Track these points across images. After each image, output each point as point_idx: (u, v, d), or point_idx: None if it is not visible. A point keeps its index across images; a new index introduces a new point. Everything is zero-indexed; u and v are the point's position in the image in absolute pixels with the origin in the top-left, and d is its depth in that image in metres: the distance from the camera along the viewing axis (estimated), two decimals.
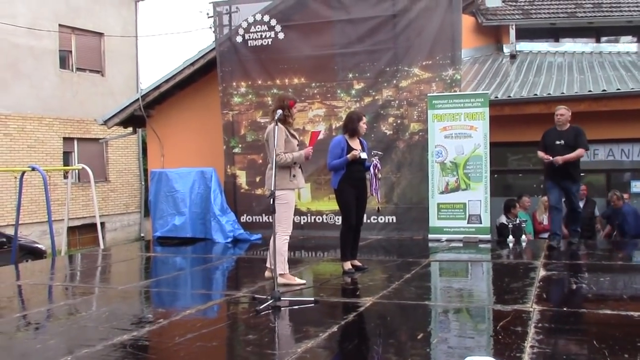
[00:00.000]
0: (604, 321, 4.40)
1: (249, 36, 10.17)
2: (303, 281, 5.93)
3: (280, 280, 5.62)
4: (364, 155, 6.30)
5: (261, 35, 10.11)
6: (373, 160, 6.40)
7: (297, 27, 9.97)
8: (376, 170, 6.40)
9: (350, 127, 6.38)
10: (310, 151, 5.84)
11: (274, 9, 10.04)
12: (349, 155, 6.17)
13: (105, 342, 4.05)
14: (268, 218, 9.55)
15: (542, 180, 10.26)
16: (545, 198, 9.30)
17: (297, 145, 5.88)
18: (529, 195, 9.84)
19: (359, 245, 6.71)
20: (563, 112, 7.69)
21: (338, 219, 9.32)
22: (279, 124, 5.62)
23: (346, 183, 6.26)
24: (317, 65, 9.83)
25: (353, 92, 9.71)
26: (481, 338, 4.13)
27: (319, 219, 9.78)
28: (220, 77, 10.39)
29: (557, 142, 7.62)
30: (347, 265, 6.41)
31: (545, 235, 9.33)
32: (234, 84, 10.35)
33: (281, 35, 9.98)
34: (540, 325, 4.20)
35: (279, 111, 5.60)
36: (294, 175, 5.83)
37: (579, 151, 7.57)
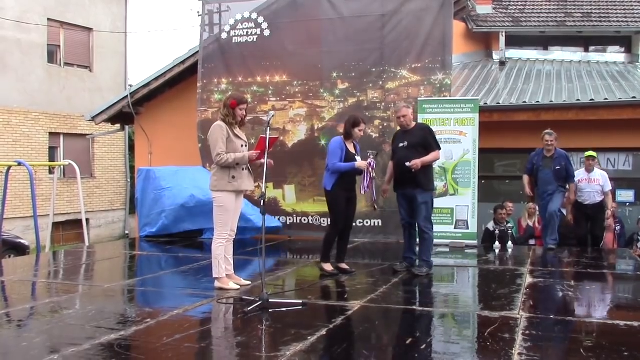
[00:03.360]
0: (591, 329, 4.43)
1: (235, 32, 10.12)
2: (237, 287, 5.66)
3: (215, 284, 5.67)
4: (370, 169, 6.31)
5: (247, 32, 10.05)
6: (369, 160, 6.37)
7: (284, 25, 9.89)
8: (370, 169, 6.39)
9: (345, 130, 6.42)
10: (254, 155, 5.50)
11: (267, 10, 10.00)
12: (357, 164, 6.22)
13: (92, 341, 4.01)
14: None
15: None
16: (530, 204, 9.37)
17: (243, 146, 5.69)
18: (513, 201, 9.87)
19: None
20: (404, 113, 6.60)
21: (324, 220, 9.30)
22: (220, 122, 5.65)
23: (340, 187, 6.28)
24: (301, 63, 9.76)
25: (337, 92, 9.63)
26: (469, 344, 4.15)
27: (304, 220, 9.74)
28: (202, 73, 10.31)
29: (401, 145, 6.62)
30: (328, 266, 6.43)
31: (532, 241, 9.39)
32: (215, 80, 10.27)
33: (267, 33, 9.93)
34: (528, 332, 4.22)
35: (273, 114, 5.61)
36: (234, 177, 5.55)
37: (435, 154, 6.51)
